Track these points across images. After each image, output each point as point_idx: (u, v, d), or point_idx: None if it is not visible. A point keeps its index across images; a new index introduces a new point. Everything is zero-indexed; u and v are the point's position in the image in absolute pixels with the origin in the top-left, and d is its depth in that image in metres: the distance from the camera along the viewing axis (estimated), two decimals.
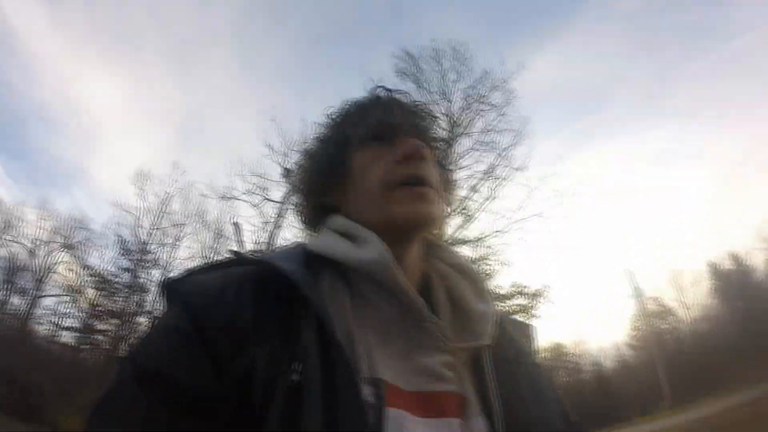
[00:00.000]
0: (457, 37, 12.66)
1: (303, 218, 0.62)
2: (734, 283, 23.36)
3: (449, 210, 0.65)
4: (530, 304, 11.99)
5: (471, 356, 0.51)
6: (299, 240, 0.61)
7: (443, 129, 0.64)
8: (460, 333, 0.51)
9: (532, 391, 0.53)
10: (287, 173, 11.16)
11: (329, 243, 0.52)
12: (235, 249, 0.57)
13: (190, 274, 0.51)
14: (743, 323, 19.09)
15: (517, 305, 11.96)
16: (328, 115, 0.63)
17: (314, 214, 0.60)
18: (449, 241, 11.40)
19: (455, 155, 11.46)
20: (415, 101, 0.62)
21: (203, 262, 0.65)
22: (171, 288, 0.49)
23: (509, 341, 0.57)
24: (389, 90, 0.62)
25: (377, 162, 0.54)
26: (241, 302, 0.45)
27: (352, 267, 0.49)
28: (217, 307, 0.44)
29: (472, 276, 0.57)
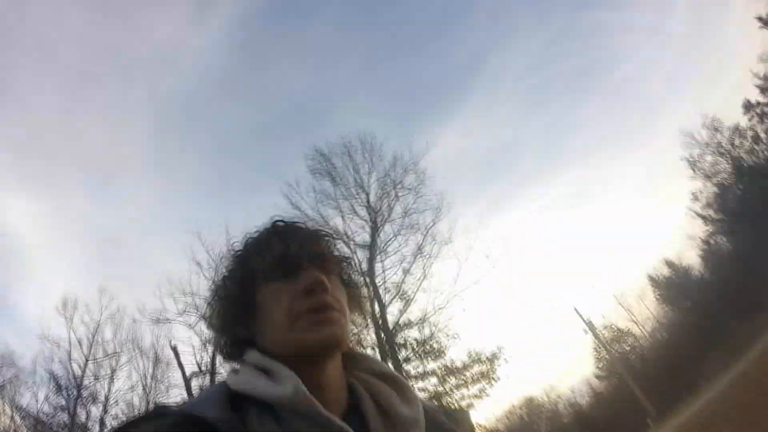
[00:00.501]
0: (364, 129, 13.57)
1: (221, 352, 0.65)
2: (677, 287, 24.95)
3: (362, 321, 0.70)
4: (489, 369, 11.96)
5: None
6: (221, 381, 0.61)
7: (342, 248, 0.68)
8: None
9: None
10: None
11: (248, 380, 0.54)
12: (159, 402, 0.57)
13: (128, 429, 0.51)
14: (695, 320, 20.06)
15: (476, 373, 11.90)
16: (231, 249, 0.67)
17: (230, 347, 0.63)
18: (393, 329, 11.37)
19: (380, 245, 11.82)
20: (313, 228, 0.67)
21: (127, 418, 0.70)
22: None
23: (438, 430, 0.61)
24: (286, 222, 0.67)
25: (282, 296, 0.58)
26: None
27: (275, 403, 0.51)
28: None
29: (397, 382, 0.61)
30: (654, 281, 26.83)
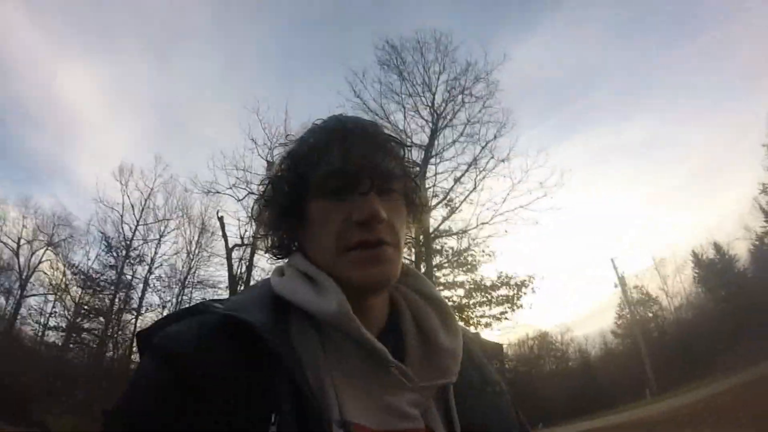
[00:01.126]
0: (440, 28, 12.55)
1: (266, 248, 0.62)
2: (717, 272, 23.89)
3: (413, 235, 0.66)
4: (515, 295, 12.10)
5: (439, 390, 0.53)
6: (267, 278, 0.61)
7: (413, 161, 0.60)
8: (427, 368, 0.52)
9: (495, 419, 0.56)
10: (271, 167, 11.10)
11: (293, 288, 0.53)
12: (206, 299, 0.59)
13: (163, 324, 0.52)
14: (725, 312, 19.56)
15: (502, 296, 12.09)
16: (288, 140, 0.62)
17: (275, 248, 0.61)
18: (432, 233, 11.49)
19: (437, 149, 11.51)
20: (381, 134, 0.59)
21: (172, 311, 0.66)
22: (146, 340, 0.52)
23: (476, 368, 0.59)
24: (351, 120, 0.59)
25: (333, 218, 0.53)
26: (218, 354, 0.46)
27: (315, 316, 0.51)
28: (194, 359, 0.46)
29: (441, 308, 0.59)
30: (696, 258, 25.65)
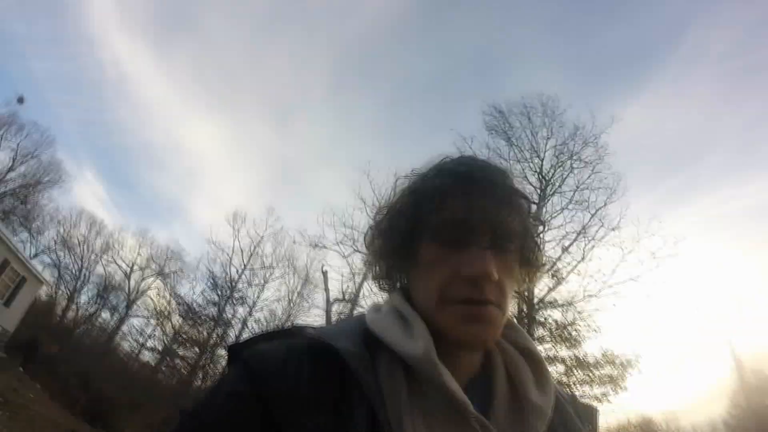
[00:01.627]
0: (547, 92, 12.50)
1: (372, 276, 0.63)
2: None
3: (531, 287, 0.64)
4: (620, 375, 11.00)
5: None
6: (362, 311, 0.62)
7: (533, 213, 0.57)
8: (512, 424, 0.50)
9: None
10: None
11: (384, 326, 0.53)
12: (297, 323, 0.59)
13: (255, 341, 0.54)
14: None
15: (605, 375, 11.04)
16: (410, 178, 0.60)
17: (383, 277, 0.61)
18: (536, 304, 10.96)
19: (546, 216, 11.20)
20: (507, 186, 0.55)
21: (266, 330, 0.73)
22: (235, 352, 0.53)
23: (563, 427, 0.55)
24: (478, 166, 0.56)
25: (442, 267, 0.51)
26: (300, 376, 0.47)
27: (401, 357, 0.49)
28: (277, 378, 0.47)
29: (536, 362, 0.56)
30: None
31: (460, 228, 0.52)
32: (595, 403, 10.74)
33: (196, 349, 17.09)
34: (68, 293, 24.08)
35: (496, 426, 0.48)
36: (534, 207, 0.59)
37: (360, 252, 11.74)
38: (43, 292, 20.19)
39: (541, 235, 0.61)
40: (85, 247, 23.74)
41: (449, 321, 0.50)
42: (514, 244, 0.54)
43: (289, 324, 0.67)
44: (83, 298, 24.03)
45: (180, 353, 17.93)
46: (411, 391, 0.48)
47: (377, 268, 0.61)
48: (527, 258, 0.56)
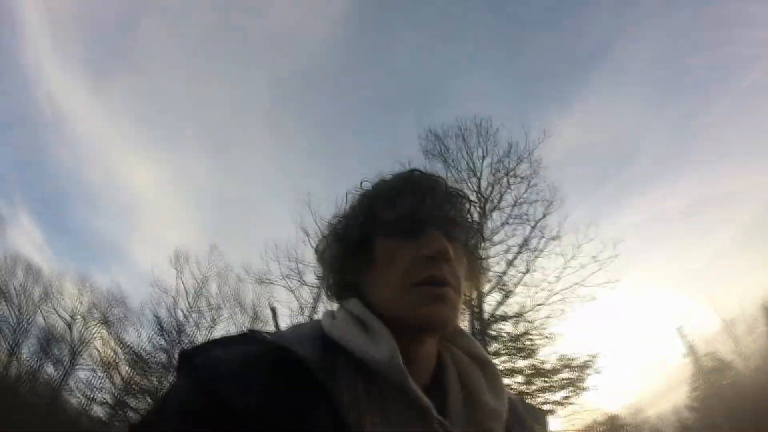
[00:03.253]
0: (480, 113, 12.85)
1: (325, 289, 0.62)
2: None
3: (477, 293, 0.79)
4: (578, 377, 11.16)
5: None
6: (316, 317, 0.61)
7: (477, 212, 0.60)
8: (469, 428, 0.51)
9: None
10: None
11: (344, 332, 0.52)
12: (253, 327, 0.54)
13: (208, 347, 0.50)
14: None
15: (564, 379, 11.18)
16: (359, 189, 0.63)
17: (335, 288, 0.60)
18: (488, 319, 10.95)
19: (487, 233, 11.31)
20: (449, 187, 0.60)
21: (221, 335, 0.59)
22: (187, 359, 0.48)
23: (520, 427, 0.58)
24: (422, 173, 0.61)
25: (401, 255, 0.54)
26: (258, 383, 0.45)
27: (365, 362, 0.49)
28: (233, 387, 0.44)
29: (487, 368, 0.57)
30: (767, 312, 23.15)
31: (413, 219, 0.56)
32: (557, 408, 10.83)
33: (149, 399, 15.97)
34: (9, 347, 22.16)
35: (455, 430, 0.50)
36: (473, 206, 0.62)
37: (307, 285, 11.45)
38: None
39: (483, 232, 0.63)
40: (23, 296, 21.90)
41: (412, 303, 0.52)
42: (461, 233, 0.58)
43: (245, 328, 0.58)
44: (25, 352, 22.10)
45: (132, 405, 16.71)
46: (370, 396, 0.48)
47: (331, 276, 0.61)
48: (472, 251, 0.60)
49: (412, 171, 0.62)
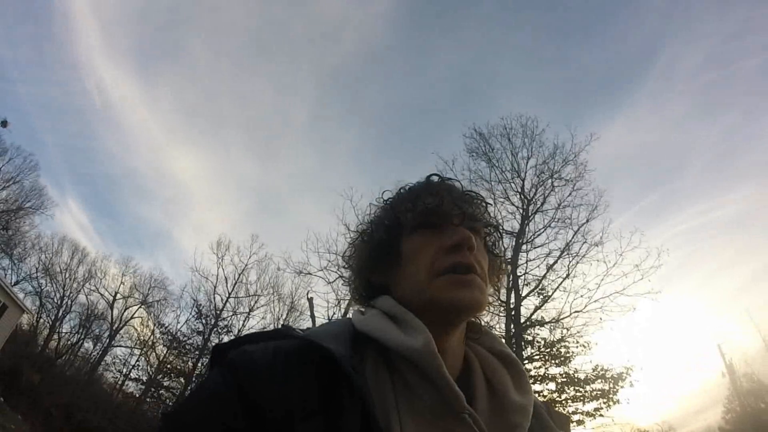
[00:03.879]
0: (526, 113, 12.66)
1: (353, 293, 0.64)
2: None
3: (496, 294, 0.66)
4: (612, 389, 10.88)
5: None
6: (348, 316, 0.62)
7: (492, 215, 0.65)
8: (496, 423, 0.51)
9: None
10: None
11: (377, 325, 0.53)
12: (286, 324, 0.53)
13: (241, 342, 0.52)
14: None
15: (597, 390, 10.92)
16: (383, 197, 0.66)
17: (364, 290, 0.62)
18: (524, 323, 10.84)
19: (529, 235, 11.18)
20: (466, 189, 0.64)
21: (254, 331, 0.64)
22: (221, 354, 0.51)
23: (544, 429, 0.57)
24: (441, 177, 0.64)
25: (426, 248, 0.56)
26: (288, 377, 0.46)
27: (399, 353, 0.50)
28: (263, 380, 0.46)
29: (513, 366, 0.58)
30: None
31: (435, 214, 0.58)
32: (587, 419, 10.60)
33: (182, 380, 16.57)
34: (50, 322, 23.44)
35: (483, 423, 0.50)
36: (488, 206, 0.65)
37: (345, 278, 11.50)
38: (25, 320, 19.58)
39: (501, 232, 0.65)
40: (68, 275, 23.12)
41: (441, 289, 0.53)
42: (481, 228, 0.60)
43: (280, 325, 0.57)
44: (65, 327, 23.35)
45: (165, 384, 17.38)
46: (397, 390, 0.49)
47: (358, 281, 0.63)
48: (492, 247, 0.62)
49: (430, 176, 0.65)
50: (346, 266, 0.66)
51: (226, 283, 18.10)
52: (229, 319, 17.65)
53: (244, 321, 17.67)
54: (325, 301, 12.08)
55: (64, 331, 23.30)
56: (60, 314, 23.27)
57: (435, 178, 0.64)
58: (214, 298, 17.77)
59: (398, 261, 0.58)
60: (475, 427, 0.47)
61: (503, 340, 0.62)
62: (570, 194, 11.37)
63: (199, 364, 16.37)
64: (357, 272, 0.64)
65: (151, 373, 17.92)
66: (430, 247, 0.56)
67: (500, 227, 0.66)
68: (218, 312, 17.41)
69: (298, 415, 0.44)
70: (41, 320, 23.14)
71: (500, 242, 0.65)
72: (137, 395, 18.65)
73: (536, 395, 0.62)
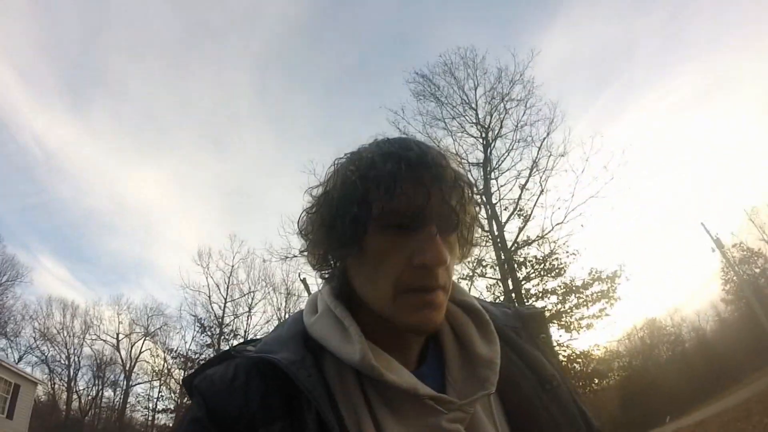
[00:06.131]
0: (463, 45, 12.52)
1: (311, 262, 0.59)
2: None
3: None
4: (610, 288, 11.30)
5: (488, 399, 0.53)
6: (298, 311, 0.62)
7: (478, 200, 0.57)
8: (468, 382, 0.52)
9: (552, 421, 0.54)
10: None
11: (322, 332, 0.54)
12: (235, 345, 0.60)
13: (202, 369, 0.56)
14: None
15: (596, 293, 11.32)
16: (352, 161, 0.55)
17: (319, 264, 0.59)
18: (511, 247, 11.04)
19: (494, 162, 11.23)
20: (450, 172, 0.53)
21: (209, 357, 0.74)
22: (187, 384, 0.55)
23: (528, 367, 0.58)
24: (419, 149, 0.52)
25: (394, 257, 0.50)
26: (249, 390, 0.49)
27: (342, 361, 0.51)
28: (227, 397, 0.49)
29: (477, 315, 0.59)
30: None
31: (412, 214, 0.51)
32: (593, 320, 11.02)
33: None
34: (65, 384, 23.22)
35: (453, 385, 0.52)
36: (474, 188, 0.57)
37: (299, 225, 11.49)
38: (41, 391, 19.35)
39: (479, 215, 0.59)
40: (66, 333, 22.75)
41: (404, 310, 0.51)
42: (462, 227, 0.55)
43: (229, 348, 0.61)
44: (81, 384, 23.16)
45: None
46: (363, 381, 0.50)
47: (316, 255, 0.58)
48: (465, 236, 0.57)
49: (406, 144, 0.54)
50: (301, 234, 0.58)
51: (219, 289, 18.06)
52: (232, 323, 17.69)
53: (247, 320, 17.77)
54: (318, 278, 12.03)
55: (81, 388, 23.17)
56: (71, 373, 23.05)
57: (414, 153, 0.52)
58: (212, 307, 17.76)
59: (359, 255, 0.52)
60: (438, 407, 0.49)
61: (464, 288, 0.61)
62: (525, 113, 11.48)
63: None
64: (312, 246, 0.57)
65: (176, 399, 17.99)
66: (398, 255, 0.50)
67: (479, 214, 0.58)
68: (220, 320, 17.41)
69: (259, 423, 0.47)
70: (56, 385, 22.94)
71: (477, 231, 0.59)
72: (170, 425, 18.77)
73: (501, 308, 0.65)
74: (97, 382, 22.12)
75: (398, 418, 0.48)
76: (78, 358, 22.77)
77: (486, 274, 11.10)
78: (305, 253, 0.59)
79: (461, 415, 0.50)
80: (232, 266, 18.38)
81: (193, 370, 0.57)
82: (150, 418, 19.60)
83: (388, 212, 0.50)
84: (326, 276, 0.59)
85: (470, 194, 0.55)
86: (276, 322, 16.92)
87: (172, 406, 18.29)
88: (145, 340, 20.06)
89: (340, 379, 0.50)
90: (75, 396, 23.11)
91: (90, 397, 23.04)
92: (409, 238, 0.50)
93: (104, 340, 21.39)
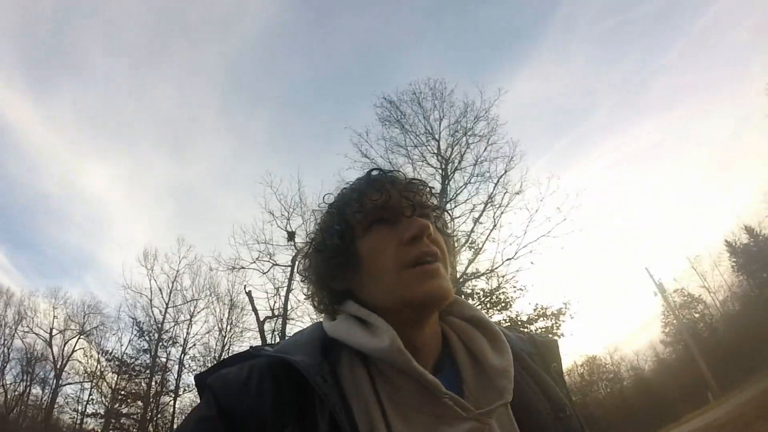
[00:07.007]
0: (433, 77, 12.80)
1: (316, 305, 0.63)
2: (754, 256, 22.73)
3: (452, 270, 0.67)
4: (554, 324, 11.64)
5: (502, 413, 0.53)
6: (317, 321, 0.63)
7: (437, 197, 0.65)
8: (484, 393, 0.53)
9: None
10: (291, 236, 11.19)
11: (345, 330, 0.55)
12: (253, 345, 0.62)
13: (216, 368, 0.57)
14: None
15: (540, 328, 11.62)
16: (325, 202, 0.65)
17: (327, 300, 0.62)
18: (460, 278, 11.22)
19: (451, 193, 11.47)
20: (408, 178, 0.63)
21: (224, 357, 0.67)
22: (199, 382, 0.55)
23: (543, 391, 0.59)
24: (381, 170, 0.64)
25: (385, 245, 0.56)
26: (262, 392, 0.49)
27: (368, 354, 0.52)
28: (240, 398, 0.49)
29: (487, 328, 0.60)
30: (731, 247, 24.48)
31: (384, 209, 0.58)
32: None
33: (140, 403, 15.84)
34: None
35: (470, 398, 0.52)
36: (433, 190, 0.64)
37: (279, 265, 11.39)
38: None
39: (448, 213, 0.65)
40: None
41: (412, 283, 0.53)
42: (431, 214, 0.61)
43: (248, 348, 0.61)
44: (8, 378, 21.49)
45: (124, 412, 16.54)
46: (378, 386, 0.51)
47: (321, 293, 0.62)
48: (442, 228, 0.62)
49: (370, 172, 0.64)
50: (303, 279, 0.64)
51: (161, 293, 17.24)
52: (172, 330, 16.91)
53: (187, 328, 16.98)
54: (263, 292, 11.78)
55: (8, 382, 21.51)
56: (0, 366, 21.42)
57: (375, 173, 0.63)
58: (152, 311, 16.92)
59: (357, 264, 0.58)
60: (457, 408, 0.49)
61: (471, 304, 0.63)
62: (485, 149, 11.74)
63: (153, 383, 15.70)
64: (316, 283, 0.63)
65: (107, 404, 16.96)
66: (388, 243, 0.56)
67: (445, 208, 0.66)
68: (160, 325, 16.63)
69: (270, 425, 0.46)
70: None
71: (448, 223, 0.65)
72: (99, 430, 17.65)
73: (518, 332, 0.67)
74: (25, 377, 20.56)
75: (413, 427, 0.49)
76: (8, 349, 21.16)
77: None
78: (311, 296, 0.64)
79: (477, 425, 0.49)
80: (177, 271, 17.62)
81: (207, 368, 0.57)
82: (78, 421, 18.33)
83: (366, 212, 0.58)
84: (330, 311, 0.61)
85: (428, 190, 0.63)
86: (217, 333, 16.46)
87: (102, 411, 17.23)
88: (79, 338, 18.85)
89: (354, 386, 0.51)
90: (1, 390, 21.42)
91: (17, 393, 21.42)
92: (392, 228, 0.57)
93: (37, 334, 19.98)
